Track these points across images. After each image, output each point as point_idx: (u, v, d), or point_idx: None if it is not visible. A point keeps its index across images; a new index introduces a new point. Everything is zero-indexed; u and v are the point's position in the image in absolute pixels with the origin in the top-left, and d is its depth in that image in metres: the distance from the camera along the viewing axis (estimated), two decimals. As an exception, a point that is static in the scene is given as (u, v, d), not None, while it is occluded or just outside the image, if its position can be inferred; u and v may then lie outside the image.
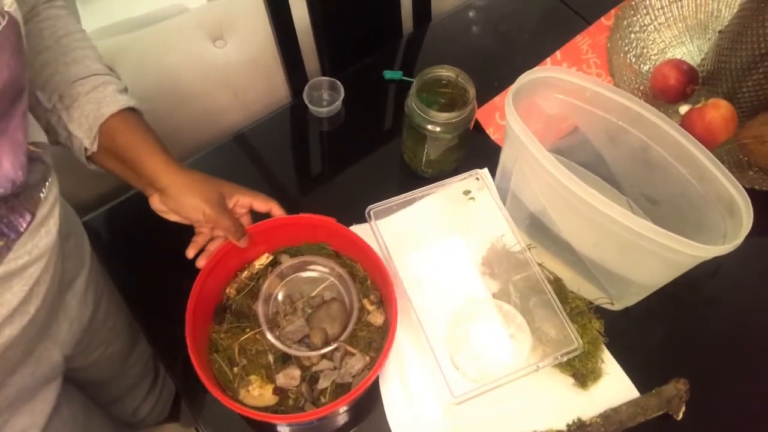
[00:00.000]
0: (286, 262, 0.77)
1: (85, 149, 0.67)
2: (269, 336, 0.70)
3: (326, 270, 0.77)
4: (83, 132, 0.66)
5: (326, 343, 0.71)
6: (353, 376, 0.70)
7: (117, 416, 1.01)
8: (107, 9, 1.27)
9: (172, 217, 0.73)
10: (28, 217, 0.58)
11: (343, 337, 0.71)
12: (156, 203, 0.72)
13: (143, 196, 0.89)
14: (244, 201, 0.74)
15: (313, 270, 0.77)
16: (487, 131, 0.98)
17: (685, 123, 0.92)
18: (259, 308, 0.72)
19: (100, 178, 1.02)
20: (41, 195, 0.60)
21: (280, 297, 0.76)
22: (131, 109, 0.69)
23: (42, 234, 0.60)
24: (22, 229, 0.57)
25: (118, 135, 0.67)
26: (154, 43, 1.11)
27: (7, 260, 0.56)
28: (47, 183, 0.61)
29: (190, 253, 0.75)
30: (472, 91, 0.81)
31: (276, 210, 0.75)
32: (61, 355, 0.74)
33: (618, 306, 0.82)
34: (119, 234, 0.88)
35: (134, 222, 0.88)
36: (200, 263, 0.73)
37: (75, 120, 0.66)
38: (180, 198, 0.68)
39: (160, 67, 1.07)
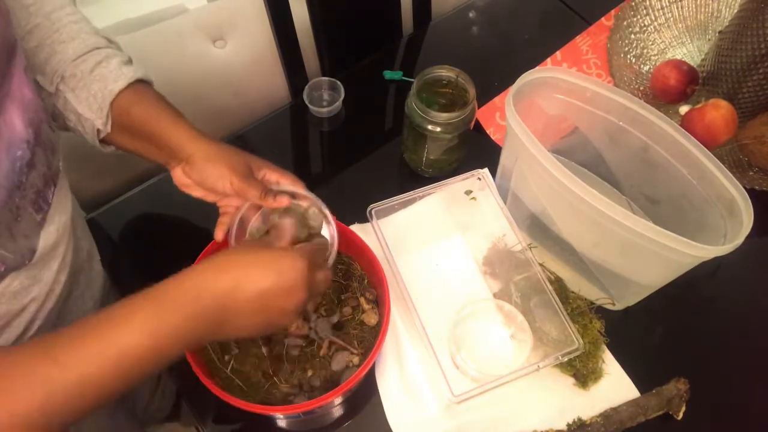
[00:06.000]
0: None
1: (98, 131, 0.64)
2: None
3: (306, 203, 0.68)
4: (94, 113, 0.62)
5: None
6: (342, 373, 0.70)
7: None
8: (107, 9, 1.26)
9: (196, 192, 0.68)
10: (52, 188, 0.56)
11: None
12: (179, 176, 0.67)
13: (143, 194, 0.90)
14: (272, 177, 0.67)
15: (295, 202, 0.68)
16: (488, 131, 0.98)
17: (686, 123, 0.92)
18: (232, 238, 0.64)
19: (100, 177, 1.02)
20: (59, 163, 0.58)
21: (255, 228, 0.68)
22: (140, 81, 0.65)
23: (61, 209, 0.59)
24: (50, 201, 0.56)
25: (133, 109, 0.63)
26: (153, 43, 1.11)
27: (44, 233, 0.55)
28: (57, 151, 0.59)
29: (219, 235, 0.68)
30: (472, 92, 0.81)
31: (301, 192, 0.68)
32: None
33: (619, 306, 0.82)
34: (120, 233, 0.88)
35: (135, 221, 0.88)
36: (218, 236, 0.68)
37: (83, 101, 0.62)
38: (206, 167, 0.63)
39: (159, 68, 1.07)
